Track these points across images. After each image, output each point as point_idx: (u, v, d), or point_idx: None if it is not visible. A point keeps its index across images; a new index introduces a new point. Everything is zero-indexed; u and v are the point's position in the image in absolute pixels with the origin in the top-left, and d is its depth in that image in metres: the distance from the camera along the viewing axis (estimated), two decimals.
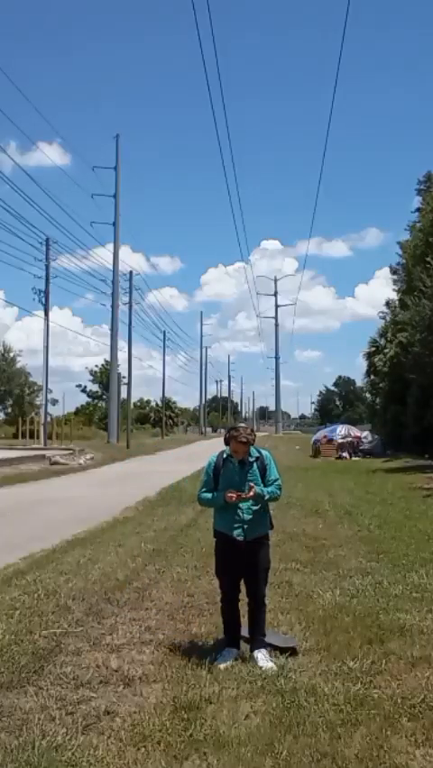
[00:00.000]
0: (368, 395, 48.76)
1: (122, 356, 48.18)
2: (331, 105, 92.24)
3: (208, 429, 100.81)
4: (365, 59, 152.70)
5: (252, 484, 4.72)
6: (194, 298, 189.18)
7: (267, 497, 4.80)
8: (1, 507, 13.29)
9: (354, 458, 31.31)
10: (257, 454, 4.85)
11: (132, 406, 55.94)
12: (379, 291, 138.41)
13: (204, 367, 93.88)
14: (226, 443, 4.81)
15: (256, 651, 4.69)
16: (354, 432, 35.66)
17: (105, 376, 64.50)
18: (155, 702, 3.98)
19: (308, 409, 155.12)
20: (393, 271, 36.79)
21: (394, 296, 35.42)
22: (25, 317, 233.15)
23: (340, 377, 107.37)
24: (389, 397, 34.07)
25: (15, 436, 46.34)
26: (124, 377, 50.34)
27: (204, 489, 4.90)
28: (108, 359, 51.99)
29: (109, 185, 46.36)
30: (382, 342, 35.47)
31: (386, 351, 33.77)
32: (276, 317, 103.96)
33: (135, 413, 73.30)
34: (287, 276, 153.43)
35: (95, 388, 78.35)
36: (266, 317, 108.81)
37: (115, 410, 47.02)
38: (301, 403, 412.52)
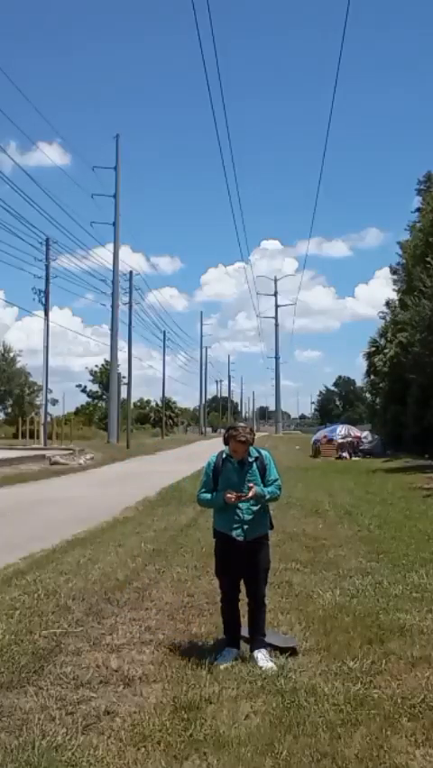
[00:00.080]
0: (368, 395, 48.77)
1: (122, 356, 48.23)
2: (331, 105, 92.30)
3: (208, 429, 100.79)
4: (365, 59, 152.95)
5: (252, 484, 4.72)
6: (194, 298, 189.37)
7: (268, 497, 4.80)
8: (1, 507, 13.29)
9: (354, 458, 31.31)
10: (256, 454, 4.85)
11: (132, 406, 55.93)
12: (379, 291, 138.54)
13: (204, 367, 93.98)
14: (225, 442, 4.81)
15: (256, 651, 4.69)
16: (354, 432, 35.66)
17: (105, 376, 64.49)
18: (155, 702, 3.98)
19: (308, 409, 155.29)
20: (393, 271, 36.82)
21: (394, 296, 35.46)
22: (25, 317, 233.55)
23: (340, 377, 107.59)
24: (389, 397, 34.09)
25: (15, 436, 46.33)
26: (124, 377, 50.40)
27: (203, 490, 4.90)
28: (108, 359, 52.02)
29: (109, 185, 46.40)
30: (382, 342, 35.48)
31: (386, 351, 33.78)
32: (276, 317, 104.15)
33: (135, 413, 73.29)
34: (287, 276, 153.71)
35: (95, 388, 78.43)
36: (266, 317, 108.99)
37: (115, 410, 47.02)
38: (301, 403, 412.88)
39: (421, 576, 7.00)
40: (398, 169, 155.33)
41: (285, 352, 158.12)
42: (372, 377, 38.53)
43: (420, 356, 22.87)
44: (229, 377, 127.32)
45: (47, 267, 37.57)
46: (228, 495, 4.66)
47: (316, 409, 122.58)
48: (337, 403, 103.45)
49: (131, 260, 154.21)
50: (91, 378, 78.35)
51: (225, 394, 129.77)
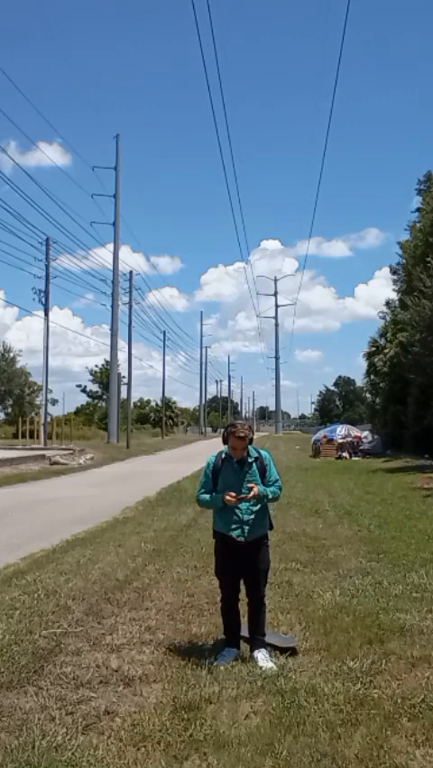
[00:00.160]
0: (368, 395, 48.71)
1: (122, 356, 48.42)
2: (331, 105, 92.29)
3: (208, 429, 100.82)
4: (365, 59, 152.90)
5: (253, 484, 4.72)
6: (194, 298, 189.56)
7: (270, 497, 4.79)
8: (1, 506, 13.29)
9: (354, 458, 31.31)
10: (256, 454, 4.84)
11: (132, 406, 55.93)
12: (379, 291, 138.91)
13: (204, 367, 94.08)
14: (225, 441, 4.80)
15: (256, 651, 4.69)
16: (354, 432, 35.64)
17: (105, 376, 64.53)
18: (155, 702, 3.98)
19: (308, 409, 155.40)
20: (393, 271, 36.77)
21: (394, 296, 35.47)
22: (25, 317, 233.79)
23: (340, 377, 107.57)
24: (389, 397, 34.09)
25: (15, 436, 46.31)
26: (124, 377, 50.47)
27: (203, 491, 4.89)
28: (108, 359, 52.11)
29: (109, 185, 46.52)
30: (382, 342, 35.50)
31: (386, 351, 33.79)
32: (276, 317, 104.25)
33: (135, 413, 73.34)
34: (287, 276, 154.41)
35: (95, 388, 78.51)
36: (266, 317, 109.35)
37: (115, 410, 47.05)
38: (301, 403, 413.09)
39: (421, 576, 7.00)
40: (398, 169, 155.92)
41: (285, 352, 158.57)
42: (372, 377, 38.52)
43: (420, 356, 22.87)
44: (229, 377, 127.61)
45: (47, 267, 37.61)
46: (228, 497, 4.66)
47: (316, 409, 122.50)
48: (337, 403, 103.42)
49: (131, 260, 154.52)
50: (91, 378, 78.52)
51: (225, 394, 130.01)
